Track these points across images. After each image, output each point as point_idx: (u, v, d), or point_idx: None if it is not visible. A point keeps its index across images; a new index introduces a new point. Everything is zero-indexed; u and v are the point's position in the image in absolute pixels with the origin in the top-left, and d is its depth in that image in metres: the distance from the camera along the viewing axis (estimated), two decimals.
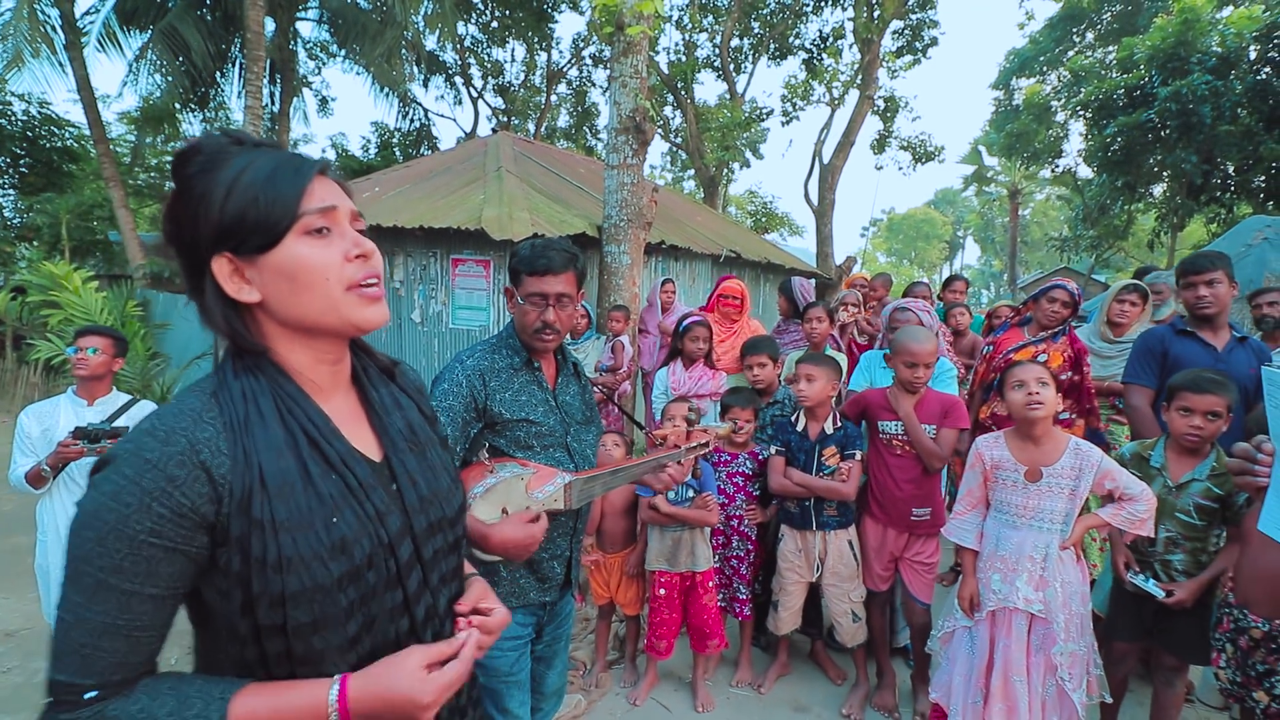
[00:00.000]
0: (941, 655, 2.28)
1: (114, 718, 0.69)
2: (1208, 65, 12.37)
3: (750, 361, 2.92)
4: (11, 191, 14.69)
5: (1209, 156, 13.32)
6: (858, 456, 2.58)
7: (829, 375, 2.63)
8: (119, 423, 2.62)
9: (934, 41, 14.68)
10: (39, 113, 14.34)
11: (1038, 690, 2.02)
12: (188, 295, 0.82)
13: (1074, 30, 21.85)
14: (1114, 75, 14.98)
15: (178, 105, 14.47)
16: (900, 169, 16.83)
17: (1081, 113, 15.51)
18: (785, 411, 2.93)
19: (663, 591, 2.66)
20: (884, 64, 14.18)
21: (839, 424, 2.61)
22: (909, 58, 14.72)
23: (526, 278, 1.58)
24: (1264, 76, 12.40)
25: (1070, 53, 21.42)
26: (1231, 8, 15.75)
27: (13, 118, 13.97)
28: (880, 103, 14.86)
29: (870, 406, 2.63)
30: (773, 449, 2.72)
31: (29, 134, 14.21)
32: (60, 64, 11.63)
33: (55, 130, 14.65)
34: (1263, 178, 12.97)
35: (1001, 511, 2.16)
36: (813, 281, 11.85)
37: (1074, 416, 3.27)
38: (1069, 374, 3.22)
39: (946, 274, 48.68)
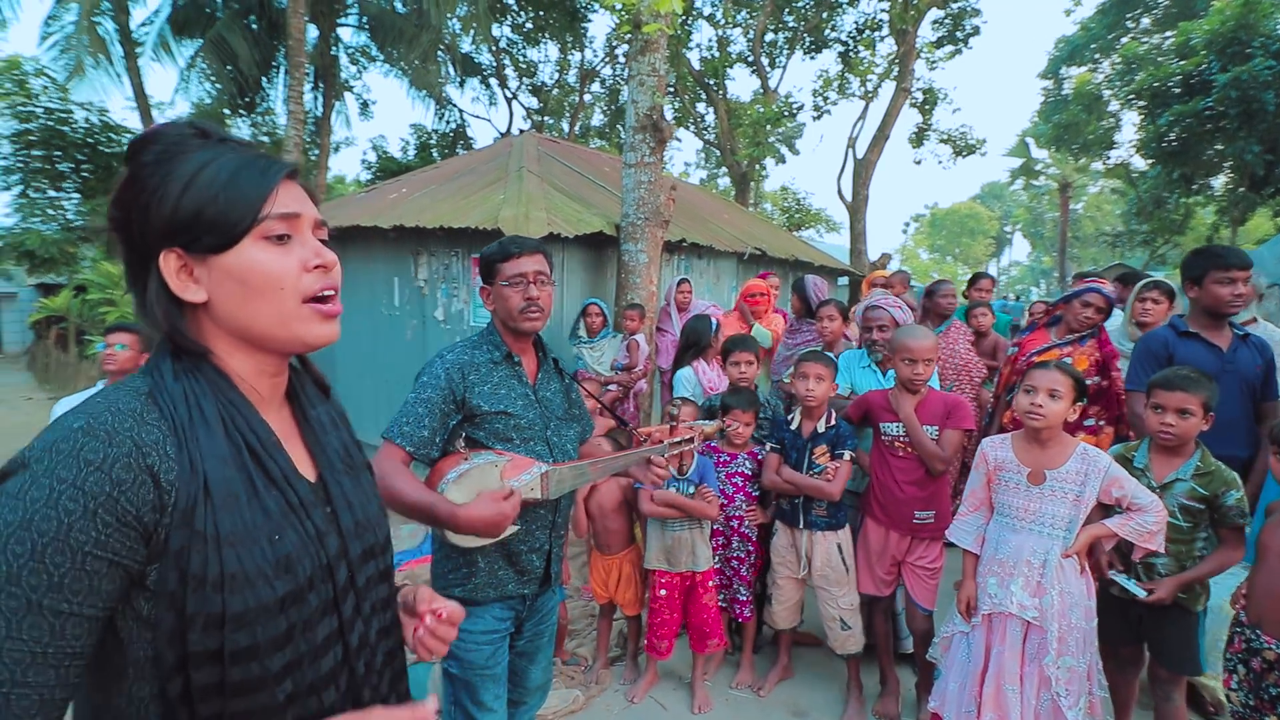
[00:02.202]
0: (942, 663, 2.23)
1: None
2: (1271, 49, 11.66)
3: (737, 359, 2.87)
4: (75, 195, 15.47)
5: (1273, 146, 12.58)
6: (846, 456, 2.53)
7: (833, 375, 2.63)
8: None
9: (976, 31, 14.19)
10: (99, 120, 15.08)
11: (1030, 701, 1.95)
12: (127, 285, 0.78)
13: (1128, 15, 20.85)
14: (1170, 62, 14.24)
15: (226, 111, 15.07)
16: (940, 163, 16.34)
17: (1135, 101, 14.80)
18: (764, 414, 2.91)
19: (663, 592, 2.65)
20: (921, 55, 13.80)
21: (832, 423, 2.57)
22: (949, 48, 14.27)
23: (501, 265, 1.63)
24: None
25: (1124, 39, 20.46)
26: None
27: (75, 125, 14.72)
28: (918, 95, 14.47)
29: (872, 407, 2.57)
30: (768, 446, 2.69)
31: (89, 140, 14.95)
32: (117, 74, 12.20)
33: (114, 136, 15.37)
34: None
35: (1003, 514, 2.11)
36: (845, 279, 11.65)
37: (1101, 423, 3.14)
38: (1095, 379, 3.09)
39: (993, 270, 47.28)
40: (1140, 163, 17.39)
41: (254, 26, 13.14)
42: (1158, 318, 3.23)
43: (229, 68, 12.72)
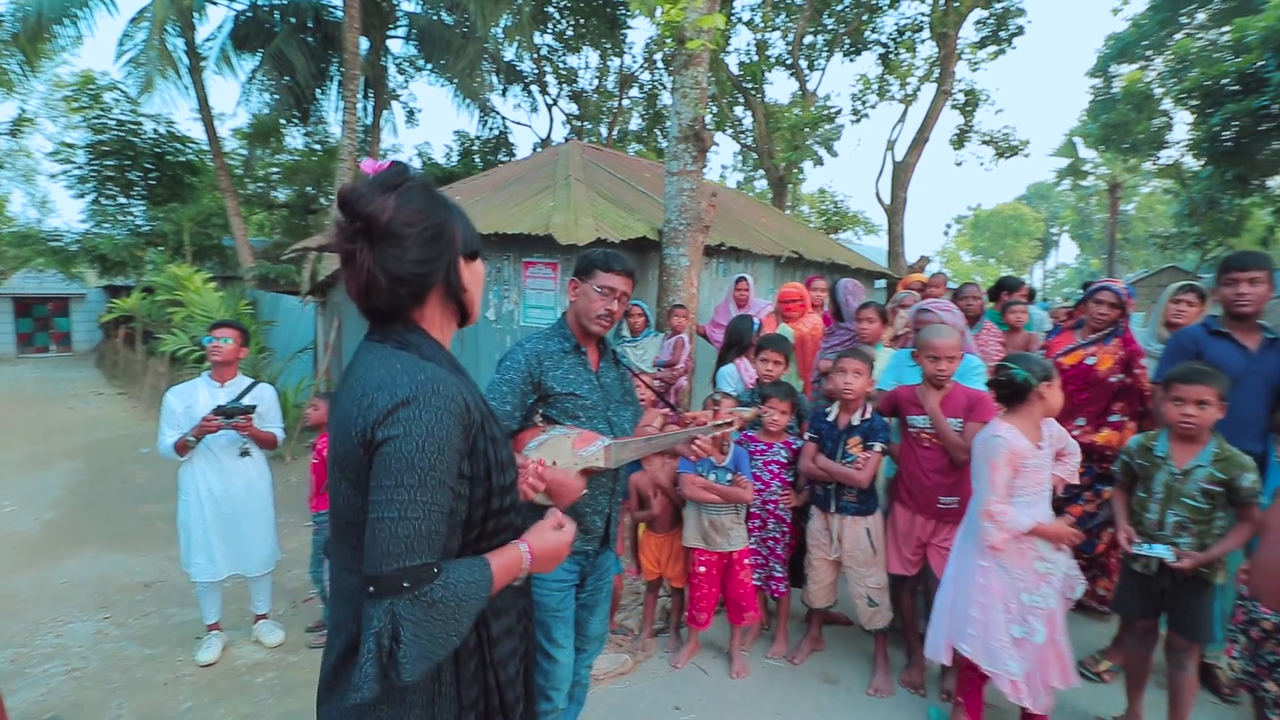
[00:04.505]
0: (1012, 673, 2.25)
1: (446, 581, 0.93)
2: None
3: (766, 357, 3.14)
4: (142, 202, 16.41)
5: None
6: (877, 448, 2.73)
7: (869, 371, 2.84)
8: (245, 401, 3.11)
9: (1020, 31, 14.02)
10: (166, 131, 16.00)
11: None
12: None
13: (1181, 11, 20.25)
14: (1225, 59, 13.87)
15: (283, 121, 15.86)
16: (982, 164, 16.20)
17: (1188, 100, 14.44)
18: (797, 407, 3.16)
19: (702, 569, 2.90)
20: (962, 57, 13.70)
21: (867, 416, 2.77)
22: (992, 49, 14.14)
23: (602, 273, 1.92)
24: None
25: (1177, 35, 19.87)
26: None
27: (144, 136, 15.65)
28: (960, 96, 14.38)
29: (900, 402, 2.78)
30: (806, 436, 2.92)
31: (157, 150, 15.87)
32: (185, 86, 12.94)
33: (179, 146, 16.28)
34: None
35: (1022, 494, 2.23)
36: (883, 282, 11.69)
37: (1125, 419, 3.26)
38: (1119, 376, 3.21)
39: (1039, 273, 45.96)
40: (1193, 162, 16.92)
41: (309, 40, 13.81)
42: (1190, 319, 3.33)
43: (286, 79, 13.40)
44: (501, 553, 1.08)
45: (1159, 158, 20.28)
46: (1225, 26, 16.15)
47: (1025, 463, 2.25)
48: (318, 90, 14.56)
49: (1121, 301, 3.21)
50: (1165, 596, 2.29)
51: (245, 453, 3.19)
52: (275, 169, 18.46)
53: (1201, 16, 20.10)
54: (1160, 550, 2.20)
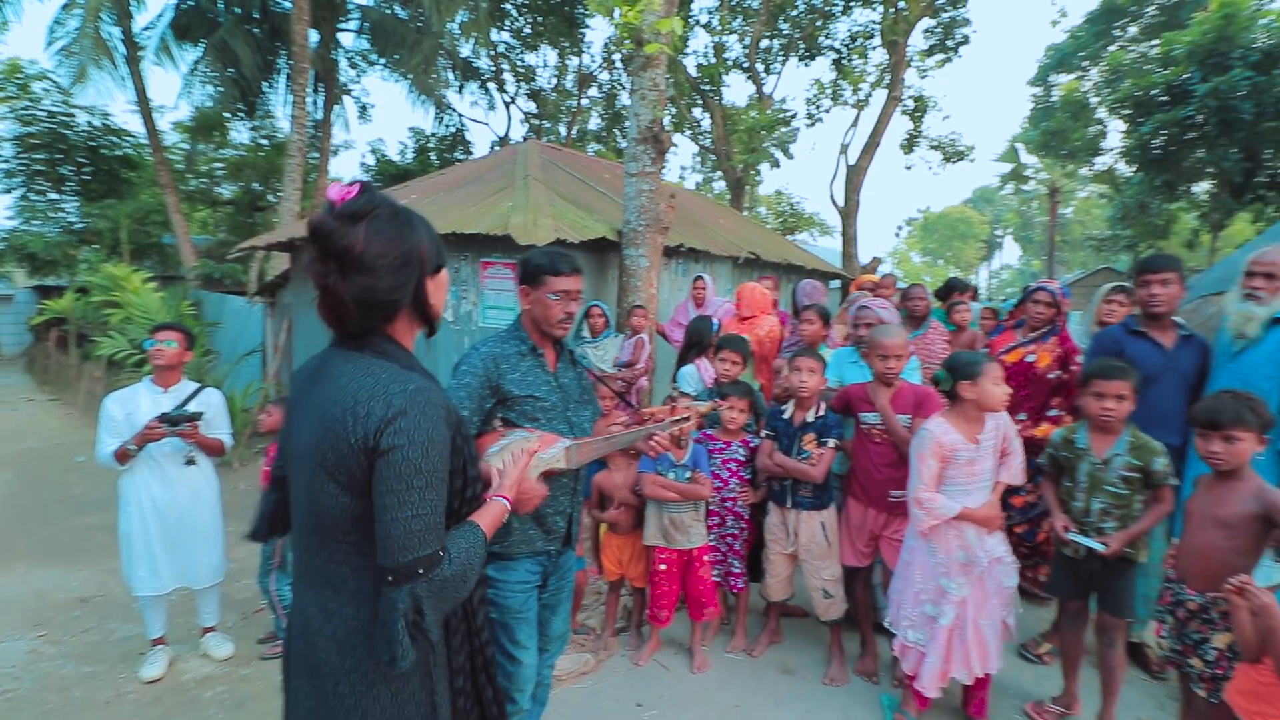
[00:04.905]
0: (918, 643, 2.46)
1: (451, 558, 1.09)
2: (1250, 60, 12.07)
3: (724, 357, 3.22)
4: (75, 198, 15.60)
5: (1251, 153, 12.99)
6: (830, 444, 2.81)
7: (823, 370, 2.92)
8: (190, 407, 3.00)
9: (965, 40, 14.56)
10: (101, 123, 15.23)
11: (996, 628, 2.36)
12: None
13: (1115, 25, 21.33)
14: (1154, 71, 14.66)
15: (227, 114, 15.27)
16: (930, 168, 16.77)
17: (1121, 109, 15.23)
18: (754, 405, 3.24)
19: (663, 566, 2.94)
20: (911, 64, 14.13)
21: (820, 413, 2.85)
22: (939, 56, 14.63)
23: (550, 278, 1.90)
24: None
25: (1111, 47, 20.92)
26: (1277, 2, 15.30)
27: (77, 129, 14.87)
28: (909, 102, 14.82)
29: (852, 400, 2.87)
30: (764, 434, 2.98)
31: (91, 144, 15.11)
32: (121, 77, 12.35)
33: (115, 140, 15.52)
34: None
35: (952, 484, 2.39)
36: (838, 283, 11.95)
37: (1063, 413, 3.42)
38: (1057, 372, 3.37)
39: (984, 274, 47.71)
40: (1125, 169, 17.82)
41: (256, 31, 13.33)
42: (1120, 318, 3.52)
43: (231, 71, 12.90)
44: (485, 511, 1.25)
45: (1095, 164, 21.32)
46: (1155, 40, 17.07)
47: (955, 455, 2.39)
48: (265, 83, 14.08)
49: (1057, 301, 3.37)
50: (1094, 578, 2.45)
51: (191, 461, 3.07)
52: (219, 164, 17.77)
53: (1133, 30, 21.23)
54: (1091, 542, 2.35)
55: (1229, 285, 2.84)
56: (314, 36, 12.87)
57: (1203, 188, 15.48)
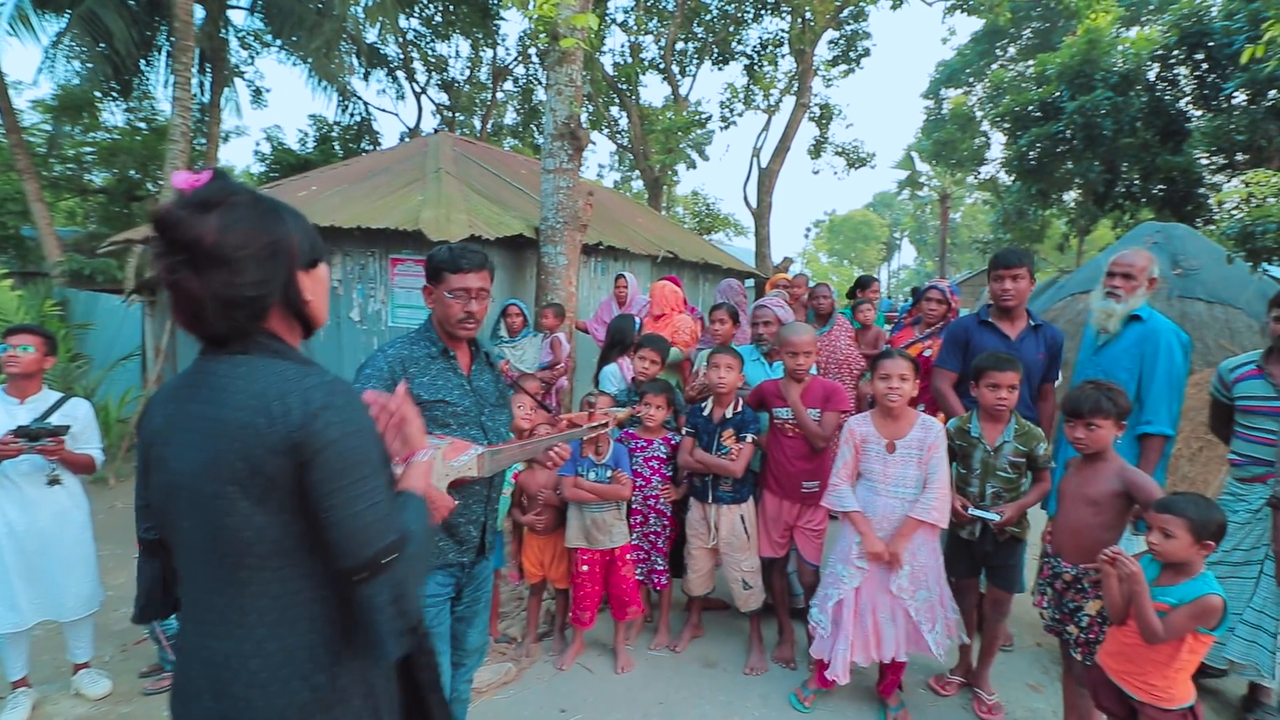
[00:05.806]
0: (822, 624, 2.60)
1: (411, 535, 1.05)
2: (1110, 82, 13.41)
3: (643, 355, 3.26)
4: None
5: (1111, 166, 14.45)
6: (748, 439, 2.88)
7: (740, 367, 2.97)
8: (53, 420, 2.68)
9: (866, 52, 15.35)
10: None
11: (901, 626, 2.48)
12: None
13: (997, 45, 23.19)
14: (1030, 89, 16.02)
15: (98, 94, 13.82)
16: (835, 173, 17.59)
17: (1001, 123, 16.55)
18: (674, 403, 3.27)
19: (585, 568, 2.91)
20: (818, 73, 14.77)
21: (738, 409, 2.92)
22: (844, 66, 15.37)
23: (450, 275, 1.80)
24: (1160, 94, 13.55)
25: (993, 66, 22.72)
26: (1136, 29, 17.10)
27: None
28: (816, 110, 15.47)
29: (766, 396, 2.95)
30: (684, 431, 3.02)
31: None
32: None
33: None
34: (1161, 187, 14.15)
35: (867, 479, 2.56)
36: (751, 281, 12.31)
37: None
38: None
39: (884, 274, 50.62)
40: (1005, 178, 19.39)
41: (131, 3, 12.14)
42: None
43: (102, 47, 11.69)
44: (411, 475, 1.20)
45: (980, 172, 23.10)
46: (1031, 60, 18.64)
47: (866, 447, 2.54)
48: (142, 61, 12.83)
49: (947, 298, 3.62)
50: (986, 557, 2.66)
51: (55, 480, 2.74)
52: (89, 149, 16.03)
53: (1013, 50, 23.14)
54: (989, 514, 2.53)
55: (1094, 285, 3.09)
56: (200, 12, 11.88)
57: (1071, 196, 17.07)
